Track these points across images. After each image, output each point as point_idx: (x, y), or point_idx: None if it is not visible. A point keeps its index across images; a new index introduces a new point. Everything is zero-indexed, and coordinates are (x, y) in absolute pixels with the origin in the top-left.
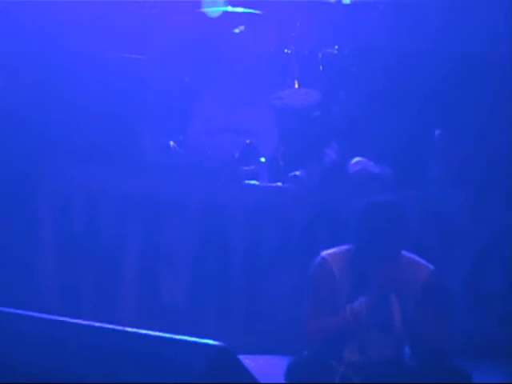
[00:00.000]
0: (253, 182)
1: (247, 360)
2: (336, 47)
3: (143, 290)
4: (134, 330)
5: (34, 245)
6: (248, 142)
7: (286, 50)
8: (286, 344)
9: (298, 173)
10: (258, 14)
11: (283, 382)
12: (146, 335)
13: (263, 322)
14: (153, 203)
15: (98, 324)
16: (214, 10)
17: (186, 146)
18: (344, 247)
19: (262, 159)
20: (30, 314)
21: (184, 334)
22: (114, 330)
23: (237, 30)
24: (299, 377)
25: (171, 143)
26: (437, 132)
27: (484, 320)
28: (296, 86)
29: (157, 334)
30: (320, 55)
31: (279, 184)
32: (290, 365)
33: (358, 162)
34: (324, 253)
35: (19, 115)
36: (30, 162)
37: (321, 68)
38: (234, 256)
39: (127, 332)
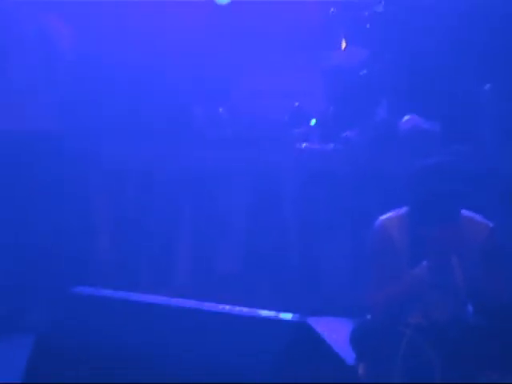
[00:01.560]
0: (304, 144)
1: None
2: (382, 5)
3: (198, 261)
4: (214, 307)
5: (88, 220)
6: (297, 104)
7: (331, 10)
8: (347, 307)
9: (348, 133)
10: None
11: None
12: (225, 312)
13: (321, 287)
14: (205, 174)
15: (176, 302)
16: None
17: (234, 113)
18: (401, 210)
19: (312, 121)
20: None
21: (241, 304)
22: (192, 307)
23: None
24: (365, 341)
25: (220, 110)
26: (487, 86)
27: None
28: (343, 45)
29: (237, 310)
30: (366, 13)
31: (331, 145)
32: (355, 329)
33: (408, 120)
34: (381, 218)
35: (76, 97)
36: (86, 139)
37: (367, 26)
38: (289, 221)
39: (206, 310)
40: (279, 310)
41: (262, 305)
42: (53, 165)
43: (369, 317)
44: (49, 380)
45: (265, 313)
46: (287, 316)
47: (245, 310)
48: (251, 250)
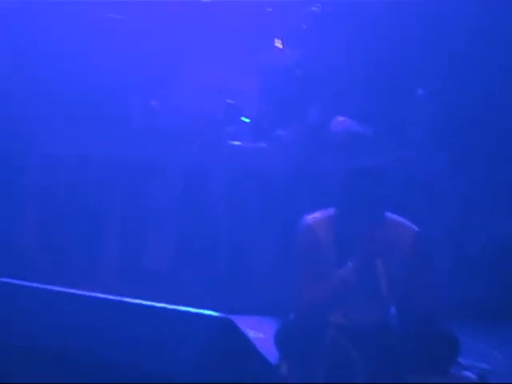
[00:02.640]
0: (236, 142)
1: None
2: (319, 5)
3: (127, 254)
4: (136, 301)
5: (18, 204)
6: (231, 101)
7: (268, 9)
8: (272, 305)
9: (281, 132)
10: None
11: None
12: (147, 306)
13: (247, 284)
14: (137, 165)
15: (95, 294)
16: None
17: (168, 107)
18: (328, 211)
19: (245, 119)
20: (19, 282)
21: (168, 299)
22: (112, 300)
23: None
24: (289, 341)
25: (153, 103)
26: (419, 91)
27: (468, 282)
28: (279, 44)
29: (158, 305)
30: (303, 13)
31: (262, 144)
32: (279, 329)
33: (340, 122)
34: (308, 218)
35: (8, 81)
36: (21, 125)
37: (303, 27)
38: (218, 217)
39: (127, 303)
40: (206, 307)
41: (190, 301)
42: None
43: (293, 316)
44: None
45: (188, 309)
46: (210, 312)
47: (168, 305)
48: (181, 246)
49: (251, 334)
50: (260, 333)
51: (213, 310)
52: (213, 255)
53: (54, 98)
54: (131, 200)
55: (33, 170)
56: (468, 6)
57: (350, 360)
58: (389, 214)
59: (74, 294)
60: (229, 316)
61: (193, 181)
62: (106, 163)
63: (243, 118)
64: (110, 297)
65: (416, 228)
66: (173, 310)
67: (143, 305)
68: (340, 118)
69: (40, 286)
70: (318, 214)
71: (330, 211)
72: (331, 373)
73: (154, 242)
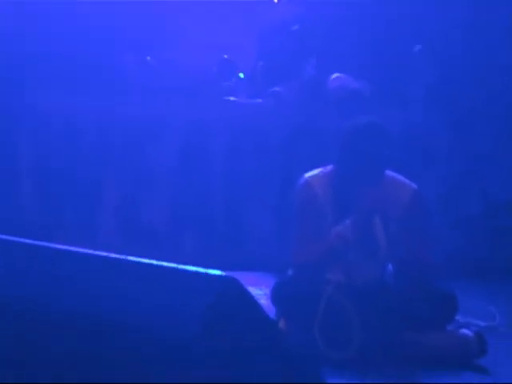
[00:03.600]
0: (231, 98)
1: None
2: None
3: (124, 213)
4: (137, 259)
5: (13, 169)
6: (226, 56)
7: None
8: (270, 262)
9: (277, 89)
10: None
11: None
12: (149, 264)
13: (245, 241)
14: (132, 124)
15: (96, 252)
16: None
17: (164, 63)
18: (327, 168)
19: (241, 75)
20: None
21: (166, 257)
22: (117, 259)
23: None
24: (286, 297)
25: (148, 58)
26: (417, 47)
27: (460, 239)
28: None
29: (161, 263)
30: None
31: (259, 100)
32: (276, 285)
33: (336, 78)
34: (307, 175)
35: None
36: (10, 87)
37: None
38: (215, 175)
39: (130, 261)
40: (203, 264)
41: (186, 258)
42: None
43: (290, 272)
44: None
45: (191, 267)
46: (215, 271)
47: (172, 264)
48: (177, 202)
49: (251, 290)
50: (257, 289)
51: (211, 267)
52: (210, 212)
53: (50, 58)
54: (128, 158)
55: (22, 135)
56: None
57: (346, 317)
58: (388, 172)
59: (74, 251)
60: (232, 274)
61: (190, 137)
62: (103, 120)
63: (239, 74)
64: (113, 255)
65: (414, 185)
66: (176, 268)
67: (146, 263)
68: (337, 75)
69: (41, 243)
70: (316, 172)
71: (329, 168)
72: (327, 330)
73: (149, 202)
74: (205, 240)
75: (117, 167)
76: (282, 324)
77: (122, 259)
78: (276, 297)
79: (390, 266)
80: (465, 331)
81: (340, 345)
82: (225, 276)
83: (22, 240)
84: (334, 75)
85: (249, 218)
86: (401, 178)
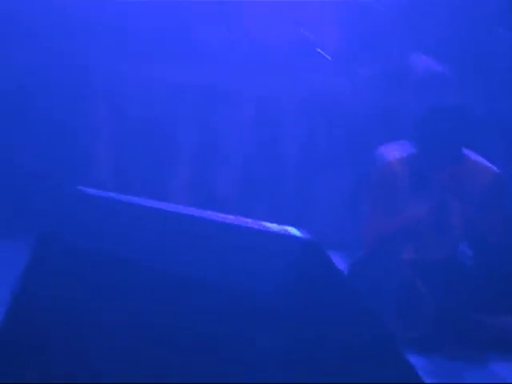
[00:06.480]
0: (311, 75)
1: None
2: None
3: (196, 180)
4: (219, 217)
5: (89, 133)
6: (306, 33)
7: None
8: (341, 240)
9: (359, 69)
10: None
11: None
12: (232, 224)
13: (315, 218)
14: (206, 93)
15: (184, 209)
16: None
17: (239, 36)
18: (403, 147)
19: (322, 53)
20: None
21: None
22: (201, 216)
23: None
24: (359, 277)
25: (226, 32)
26: (500, 31)
27: None
28: None
29: (244, 221)
30: None
31: (339, 79)
32: (351, 265)
33: (421, 60)
34: (385, 154)
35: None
36: (86, 56)
37: None
38: (289, 149)
39: (209, 220)
40: None
41: None
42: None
43: (361, 253)
44: (48, 281)
45: (273, 226)
46: (296, 232)
47: (251, 222)
48: (249, 177)
49: None
50: None
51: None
52: (281, 188)
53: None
54: (201, 130)
55: (98, 101)
56: None
57: (419, 297)
58: (471, 154)
59: (152, 207)
60: (314, 237)
61: (265, 111)
62: (176, 90)
63: (320, 51)
64: (195, 212)
65: (497, 169)
66: (258, 227)
67: (227, 222)
68: (420, 56)
69: (123, 197)
70: (395, 153)
71: (408, 149)
72: (401, 309)
73: (221, 171)
74: (276, 215)
75: (189, 134)
76: None
77: (204, 217)
78: (351, 277)
79: (465, 247)
80: None
81: (413, 324)
82: (306, 238)
83: (104, 194)
84: (418, 57)
85: (320, 194)
86: (484, 161)
